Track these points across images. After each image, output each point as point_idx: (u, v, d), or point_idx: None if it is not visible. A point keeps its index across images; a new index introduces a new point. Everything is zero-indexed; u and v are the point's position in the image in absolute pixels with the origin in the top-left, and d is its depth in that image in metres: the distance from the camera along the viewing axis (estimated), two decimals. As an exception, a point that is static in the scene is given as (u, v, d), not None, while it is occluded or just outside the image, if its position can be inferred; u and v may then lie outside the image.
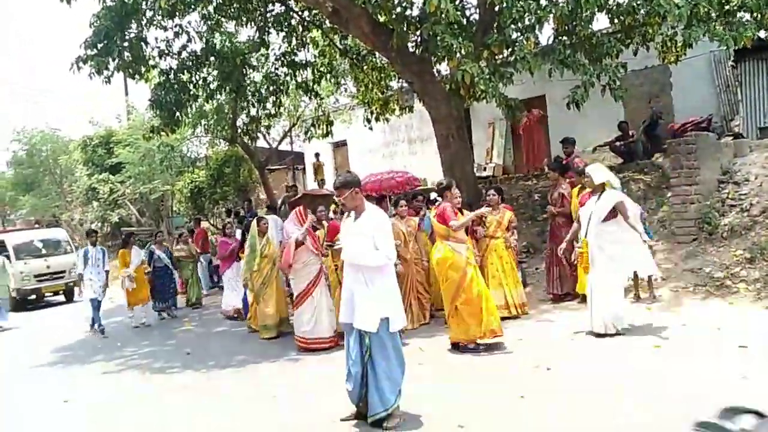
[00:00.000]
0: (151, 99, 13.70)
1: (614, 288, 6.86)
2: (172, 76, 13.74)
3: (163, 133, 14.39)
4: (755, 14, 10.21)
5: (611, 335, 6.79)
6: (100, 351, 9.47)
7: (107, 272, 11.30)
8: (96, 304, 10.94)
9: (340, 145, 22.40)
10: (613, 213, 6.85)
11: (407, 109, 15.09)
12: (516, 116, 11.12)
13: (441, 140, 11.99)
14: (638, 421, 4.39)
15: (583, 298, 8.45)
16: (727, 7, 10.41)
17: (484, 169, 16.96)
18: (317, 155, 20.87)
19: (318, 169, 20.81)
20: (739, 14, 10.48)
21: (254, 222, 9.31)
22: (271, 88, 15.52)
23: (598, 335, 6.85)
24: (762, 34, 13.27)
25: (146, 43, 12.72)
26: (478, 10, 11.53)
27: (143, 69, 12.85)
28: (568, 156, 10.32)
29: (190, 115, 16.17)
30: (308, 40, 14.94)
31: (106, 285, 11.35)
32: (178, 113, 13.86)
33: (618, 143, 13.37)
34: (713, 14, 10.04)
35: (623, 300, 7.05)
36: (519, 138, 16.54)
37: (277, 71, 15.55)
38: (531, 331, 7.48)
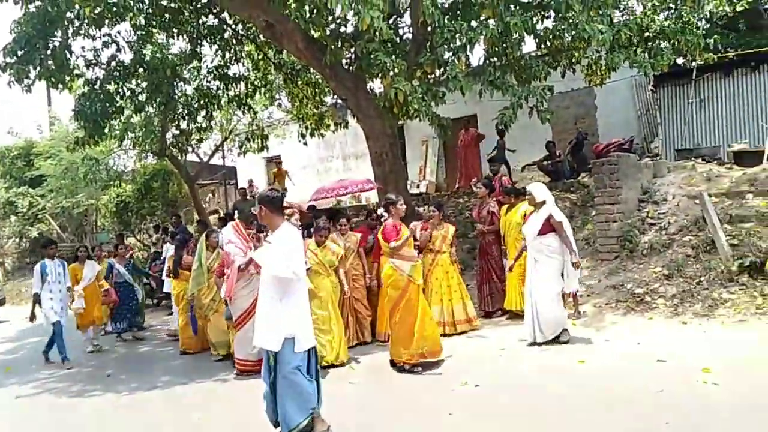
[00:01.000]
0: (76, 109, 13.21)
1: (556, 296, 7.19)
2: (98, 86, 13.31)
3: (87, 146, 13.89)
4: (672, 41, 10.82)
5: (552, 341, 7.14)
6: (14, 373, 8.98)
7: (69, 289, 9.72)
8: (59, 329, 9.22)
9: (273, 161, 22.17)
10: (551, 227, 7.18)
11: (342, 125, 15.11)
12: (447, 135, 11.31)
13: (375, 157, 12.05)
14: (561, 436, 4.50)
15: (511, 315, 8.68)
16: (647, 34, 10.99)
17: (418, 186, 17.17)
18: (279, 163, 19.31)
19: (279, 177, 19.24)
20: (657, 41, 11.09)
21: (203, 236, 8.94)
22: (202, 102, 15.25)
23: (541, 344, 7.15)
24: (679, 60, 14.10)
25: (71, 52, 12.29)
26: (411, 29, 11.72)
27: (67, 78, 12.40)
28: (495, 174, 10.58)
29: (116, 127, 15.69)
30: (242, 54, 14.80)
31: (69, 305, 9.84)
32: (103, 125, 13.42)
33: (545, 162, 13.81)
34: (635, 40, 10.58)
35: (562, 308, 7.33)
36: (451, 156, 16.85)
37: (209, 84, 15.31)
38: (462, 348, 7.57)
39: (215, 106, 15.57)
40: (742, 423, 4.42)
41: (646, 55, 10.72)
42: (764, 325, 6.88)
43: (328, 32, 10.73)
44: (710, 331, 7.11)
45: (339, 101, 14.40)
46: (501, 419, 4.98)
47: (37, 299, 9.20)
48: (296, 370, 4.53)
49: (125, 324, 11.17)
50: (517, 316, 8.53)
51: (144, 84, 14.26)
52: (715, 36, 11.42)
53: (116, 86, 13.56)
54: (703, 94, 13.93)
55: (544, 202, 7.34)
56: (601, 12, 9.61)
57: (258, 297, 4.76)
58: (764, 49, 14.28)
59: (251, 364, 7.12)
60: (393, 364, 6.88)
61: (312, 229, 7.99)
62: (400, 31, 11.83)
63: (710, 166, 11.22)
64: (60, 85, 12.27)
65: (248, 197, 16.15)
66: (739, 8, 12.30)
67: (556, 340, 7.20)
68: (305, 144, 15.38)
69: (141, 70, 13.69)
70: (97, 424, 6.09)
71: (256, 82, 15.36)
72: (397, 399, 5.88)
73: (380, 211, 6.96)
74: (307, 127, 15.04)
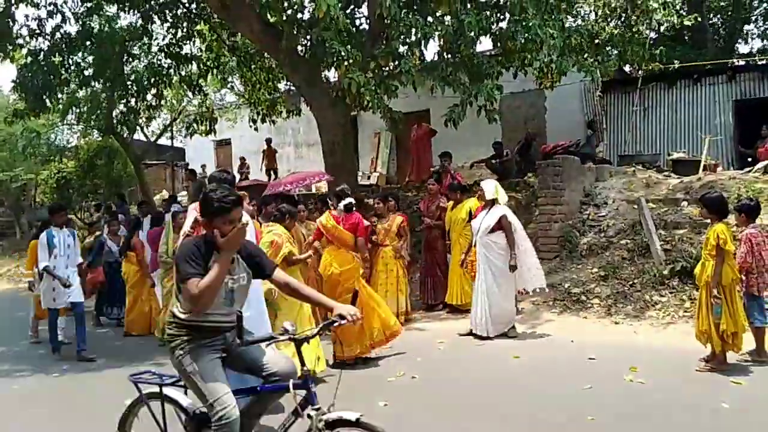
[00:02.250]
0: (16, 80, 12.71)
1: (506, 292, 7.38)
2: (41, 57, 12.83)
3: (27, 118, 13.39)
4: (620, 49, 11.12)
5: (501, 336, 7.33)
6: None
7: (80, 266, 8.12)
8: (55, 316, 7.86)
9: (223, 144, 21.87)
10: (500, 225, 7.36)
11: (294, 113, 14.99)
12: (398, 128, 11.36)
13: (326, 146, 12.01)
14: (487, 427, 4.60)
15: (452, 309, 8.80)
16: (597, 41, 11.25)
17: (368, 177, 17.17)
18: (269, 141, 18.46)
19: (269, 156, 18.60)
20: (607, 48, 11.38)
21: (169, 218, 8.41)
22: (152, 80, 14.86)
23: (482, 338, 7.34)
24: (626, 68, 14.51)
25: (14, 20, 11.81)
26: (368, 21, 11.69)
27: (9, 47, 11.91)
28: (443, 170, 10.68)
29: (60, 101, 15.15)
30: (194, 33, 14.47)
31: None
32: (46, 98, 12.95)
33: (494, 161, 13.99)
34: (585, 46, 10.82)
35: (513, 305, 7.54)
36: (403, 149, 16.90)
37: (160, 62, 14.94)
38: (401, 340, 7.62)
39: (166, 84, 15.21)
40: (662, 419, 4.61)
41: (596, 61, 10.98)
42: (690, 328, 7.14)
43: (284, 18, 10.59)
44: (640, 332, 7.38)
45: (292, 88, 14.29)
46: (434, 410, 5.05)
47: (40, 277, 7.86)
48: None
49: (121, 310, 9.95)
50: (457, 310, 8.67)
51: (91, 58, 13.81)
52: (661, 48, 11.76)
53: (61, 59, 13.10)
54: (647, 103, 14.39)
55: (495, 200, 7.49)
56: (553, 16, 9.78)
57: None
58: (706, 63, 14.83)
59: None
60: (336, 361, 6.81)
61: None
62: (357, 22, 11.76)
63: (650, 172, 11.58)
64: (1, 54, 11.78)
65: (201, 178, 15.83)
66: (686, 22, 12.74)
67: (504, 335, 7.37)
68: (256, 129, 15.18)
69: (88, 43, 13.24)
70: (23, 406, 5.91)
71: (208, 63, 15.07)
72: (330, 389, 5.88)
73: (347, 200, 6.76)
74: (258, 113, 14.85)
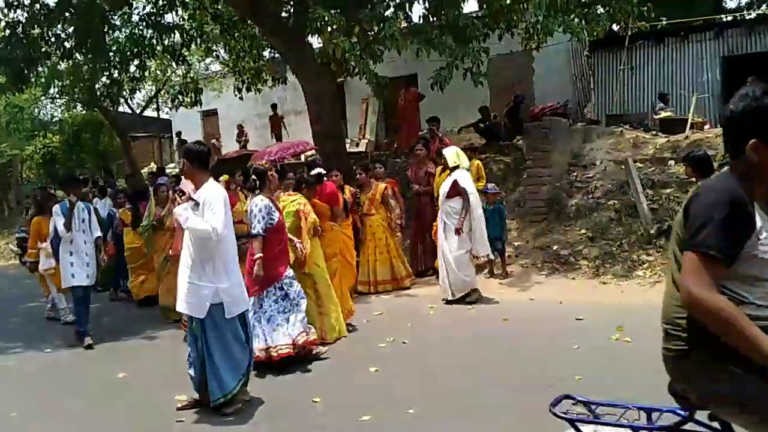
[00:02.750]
0: (-5, 54, 12.44)
1: (462, 257, 7.45)
2: (20, 30, 12.55)
3: (9, 93, 13.17)
4: (608, 8, 10.97)
5: (460, 300, 7.43)
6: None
7: (98, 240, 7.37)
8: (80, 296, 7.11)
9: (209, 115, 21.61)
10: (457, 191, 7.45)
11: (280, 81, 14.81)
12: (384, 94, 11.26)
13: (313, 114, 11.91)
14: (475, 387, 4.67)
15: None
16: (583, 0, 11.10)
17: (357, 145, 17.07)
18: (275, 106, 18.10)
19: (275, 123, 18.22)
20: (594, 7, 11.22)
21: (152, 191, 8.30)
22: (135, 50, 14.60)
23: (449, 302, 7.46)
24: (614, 27, 14.36)
25: (-11, -8, 11.53)
26: (351, -16, 11.49)
27: (-15, 21, 11.65)
28: (433, 135, 10.63)
29: (42, 75, 14.90)
30: (176, 2, 14.17)
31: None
32: (27, 71, 12.71)
33: (482, 124, 13.94)
34: (571, 6, 10.68)
35: (470, 270, 7.58)
36: (392, 115, 16.79)
37: (141, 32, 14.66)
38: (392, 306, 7.71)
39: (149, 55, 14.95)
40: (646, 377, 4.68)
41: (583, 21, 10.85)
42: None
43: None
44: (628, 292, 7.49)
45: (277, 56, 14.10)
46: (423, 374, 5.13)
47: (55, 246, 7.27)
48: (225, 337, 4.42)
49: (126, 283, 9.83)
50: (419, 274, 8.79)
51: (71, 29, 13.52)
52: (649, 4, 11.64)
53: (41, 31, 12.81)
54: (635, 62, 14.29)
55: (457, 167, 7.57)
56: (539, -25, 9.63)
57: (180, 258, 4.56)
58: (695, 19, 14.70)
59: None
60: None
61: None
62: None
63: (637, 132, 11.57)
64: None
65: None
66: (673, -22, 12.74)
67: (463, 300, 7.47)
68: (241, 99, 15.02)
69: (67, 14, 12.94)
70: (21, 380, 5.95)
71: (191, 32, 14.80)
72: (320, 360, 5.95)
73: (317, 170, 6.76)
74: (243, 81, 14.67)
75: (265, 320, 5.50)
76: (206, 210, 4.30)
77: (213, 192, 4.42)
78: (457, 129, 14.77)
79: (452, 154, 7.72)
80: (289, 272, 5.67)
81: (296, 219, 6.08)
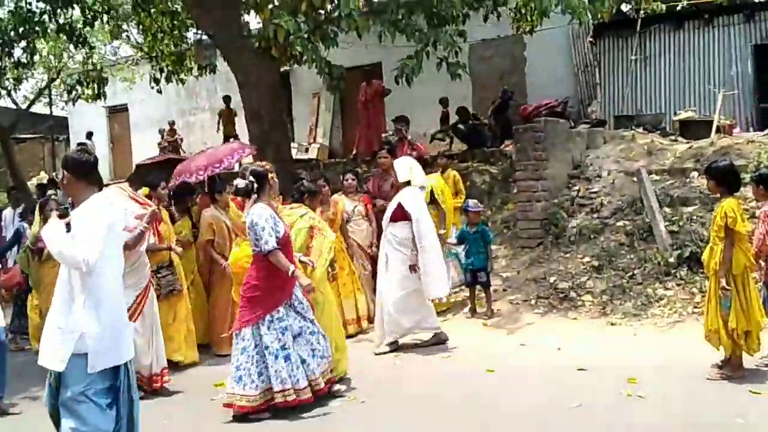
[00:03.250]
0: None
1: (402, 300, 7.49)
2: None
3: None
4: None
5: (385, 353, 7.50)
6: None
7: None
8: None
9: (118, 111, 21.46)
10: (404, 215, 7.51)
11: (208, 69, 14.76)
12: (340, 87, 11.32)
13: (250, 111, 11.87)
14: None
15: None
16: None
17: (306, 150, 17.07)
18: (227, 99, 17.75)
19: (227, 118, 17.98)
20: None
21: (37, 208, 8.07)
22: (21, 30, 14.38)
23: (379, 353, 7.51)
24: (624, 7, 14.69)
25: None
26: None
27: None
28: (400, 138, 10.68)
29: None
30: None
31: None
32: None
33: (461, 126, 14.04)
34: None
35: (422, 312, 7.63)
36: (350, 114, 16.85)
37: (30, 7, 14.46)
38: (350, 353, 7.63)
39: (39, 35, 14.72)
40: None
41: (585, -1, 11.07)
42: (701, 327, 7.35)
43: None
44: (641, 334, 7.56)
45: (204, 37, 14.05)
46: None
47: None
48: (83, 397, 4.06)
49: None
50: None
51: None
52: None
53: None
54: (649, 50, 14.62)
55: (408, 183, 7.62)
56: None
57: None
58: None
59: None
60: None
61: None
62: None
63: (652, 136, 11.78)
64: None
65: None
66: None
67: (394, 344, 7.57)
68: (159, 92, 14.90)
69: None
70: None
71: (95, 7, 14.65)
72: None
73: (238, 181, 6.64)
74: (162, 70, 14.57)
75: (272, 355, 5.68)
76: (78, 234, 4.13)
77: (91, 211, 4.25)
78: (432, 131, 14.86)
79: (404, 167, 7.76)
80: (296, 290, 5.94)
81: (306, 237, 6.45)
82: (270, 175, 5.92)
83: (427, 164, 9.40)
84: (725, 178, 5.91)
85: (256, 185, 5.84)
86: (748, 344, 5.82)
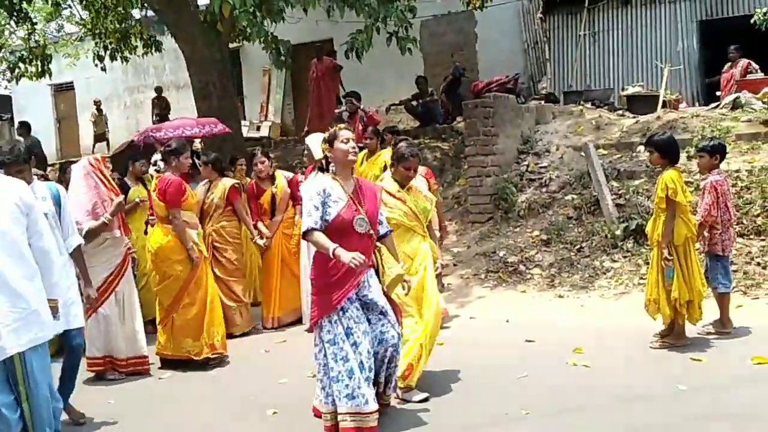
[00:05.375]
0: None
1: None
2: None
3: None
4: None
5: None
6: None
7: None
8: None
9: (64, 89, 21.03)
10: None
11: (153, 46, 14.50)
12: (287, 63, 11.23)
13: (198, 89, 11.74)
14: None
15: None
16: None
17: (258, 128, 16.93)
18: (159, 89, 18.06)
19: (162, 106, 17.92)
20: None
21: None
22: (-42, 4, 13.94)
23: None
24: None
25: None
26: None
27: None
28: (351, 114, 10.64)
29: None
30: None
31: None
32: None
33: (414, 102, 14.05)
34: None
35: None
36: (301, 91, 16.72)
37: (-34, -20, 14.00)
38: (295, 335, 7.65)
39: (-23, 11, 14.31)
40: (609, 408, 4.82)
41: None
42: (638, 297, 7.50)
43: None
44: (588, 306, 7.69)
45: (150, 14, 13.80)
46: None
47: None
48: None
49: None
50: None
51: None
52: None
53: None
54: (597, 26, 14.76)
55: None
56: None
57: None
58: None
59: (100, 362, 6.38)
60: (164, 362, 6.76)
61: None
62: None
63: (600, 111, 11.96)
64: None
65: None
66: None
67: None
68: (103, 69, 14.62)
69: None
70: None
71: (36, -19, 14.29)
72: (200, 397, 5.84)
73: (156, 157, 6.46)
74: (106, 47, 14.27)
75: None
76: None
77: None
78: (384, 108, 14.83)
79: (316, 144, 7.33)
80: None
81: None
82: (340, 138, 4.75)
83: (395, 134, 9.20)
84: (666, 150, 6.00)
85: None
86: (690, 313, 5.94)
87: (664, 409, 4.75)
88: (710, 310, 6.26)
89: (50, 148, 18.71)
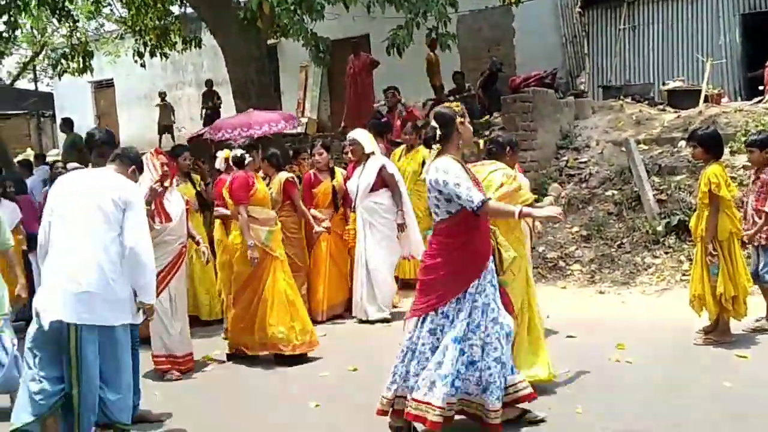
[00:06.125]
0: None
1: (388, 267, 7.76)
2: None
3: None
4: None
5: (379, 321, 7.58)
6: None
7: None
8: None
9: (104, 86, 21.33)
10: (383, 182, 7.70)
11: (193, 43, 14.66)
12: (326, 60, 11.28)
13: (237, 85, 11.84)
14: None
15: (403, 283, 8.85)
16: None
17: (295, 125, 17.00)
18: (210, 83, 17.91)
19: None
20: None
21: None
22: (2, 2, 14.22)
23: (366, 321, 7.66)
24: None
25: None
26: None
27: None
28: (391, 109, 10.67)
29: None
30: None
31: None
32: None
33: (451, 98, 14.02)
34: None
35: (393, 282, 7.93)
36: (338, 87, 16.78)
37: (9, -21, 14.30)
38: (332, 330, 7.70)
39: (20, 9, 14.57)
40: (653, 406, 4.81)
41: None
42: (682, 292, 7.45)
43: None
44: (630, 302, 7.68)
45: (189, 10, 13.95)
46: (361, 408, 5.09)
47: None
48: None
49: None
50: (408, 285, 8.72)
51: None
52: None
53: None
54: (637, 20, 14.61)
55: (372, 153, 7.81)
56: None
57: None
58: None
59: (164, 360, 6.34)
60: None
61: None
62: None
63: (640, 106, 11.85)
64: None
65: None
66: None
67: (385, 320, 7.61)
68: (143, 65, 14.82)
69: None
70: None
71: (77, -21, 14.53)
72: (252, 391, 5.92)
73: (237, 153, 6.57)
74: (146, 44, 14.47)
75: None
76: None
77: None
78: (421, 103, 14.84)
79: (366, 137, 7.95)
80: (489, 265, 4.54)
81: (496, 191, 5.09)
82: (459, 120, 4.57)
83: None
84: (710, 145, 5.98)
85: (440, 132, 4.57)
86: (736, 309, 5.90)
87: (707, 406, 4.73)
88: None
89: (90, 146, 18.99)
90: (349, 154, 8.21)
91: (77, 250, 4.14)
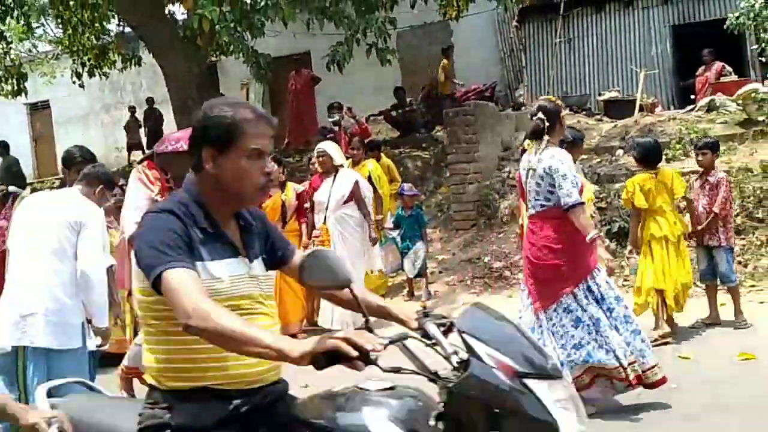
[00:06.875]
0: None
1: (359, 282, 7.58)
2: None
3: None
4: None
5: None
6: None
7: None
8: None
9: (39, 108, 20.87)
10: (352, 196, 7.82)
11: (132, 62, 14.50)
12: (267, 77, 11.31)
13: (177, 104, 11.73)
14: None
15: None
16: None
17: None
18: (151, 101, 17.77)
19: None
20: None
21: None
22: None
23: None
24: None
25: None
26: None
27: None
28: (335, 125, 10.73)
29: None
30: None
31: None
32: None
33: (393, 113, 14.17)
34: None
35: None
36: (279, 104, 16.76)
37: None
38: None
39: (-51, 30, 14.22)
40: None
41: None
42: (630, 298, 7.62)
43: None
44: (573, 308, 7.80)
45: (128, 29, 13.81)
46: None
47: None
48: None
49: None
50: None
51: None
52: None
53: None
54: (572, 33, 14.95)
55: (341, 166, 7.93)
56: None
57: None
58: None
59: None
60: None
61: None
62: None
63: (578, 117, 12.11)
64: None
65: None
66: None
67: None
68: (82, 86, 14.60)
69: None
70: None
71: (8, 2, 14.20)
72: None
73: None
74: (84, 64, 14.26)
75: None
76: None
77: None
78: (363, 118, 14.92)
79: (336, 149, 8.09)
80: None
81: None
82: (562, 114, 4.78)
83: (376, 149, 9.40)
84: (645, 154, 6.28)
85: (547, 124, 4.63)
86: (669, 304, 6.19)
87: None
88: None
89: (27, 168, 18.53)
90: (317, 166, 8.16)
91: (28, 274, 4.13)
